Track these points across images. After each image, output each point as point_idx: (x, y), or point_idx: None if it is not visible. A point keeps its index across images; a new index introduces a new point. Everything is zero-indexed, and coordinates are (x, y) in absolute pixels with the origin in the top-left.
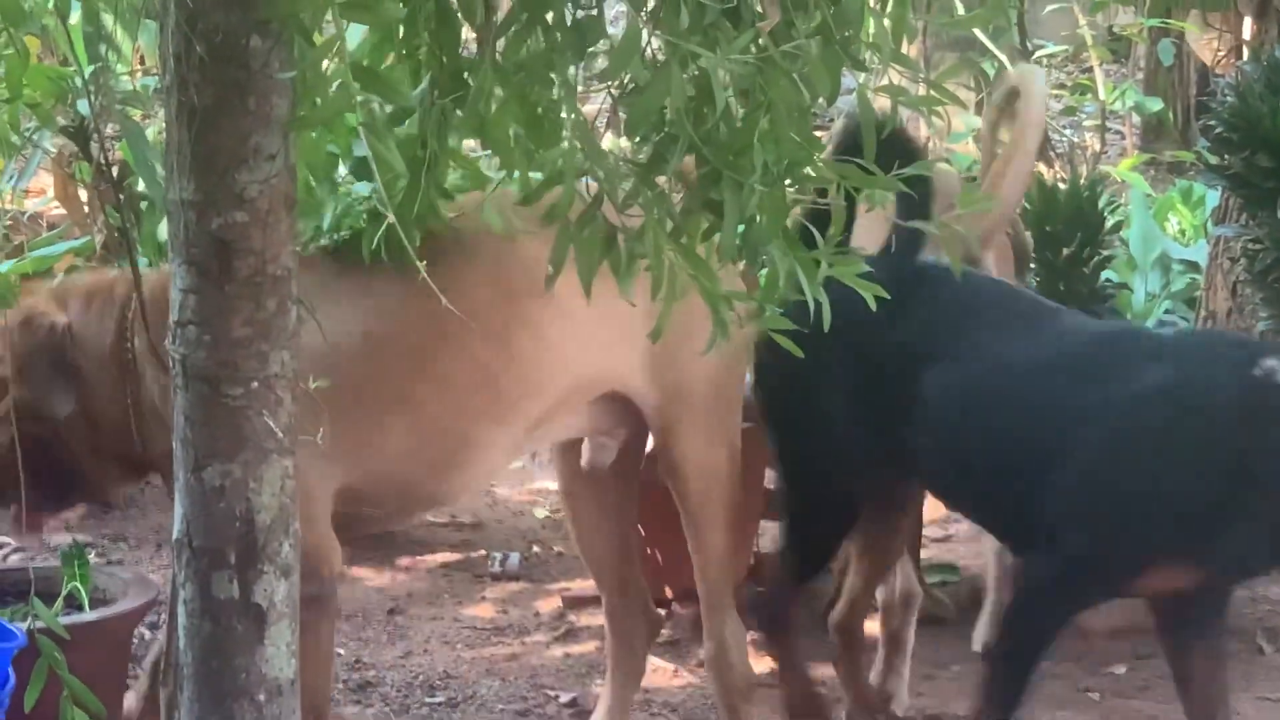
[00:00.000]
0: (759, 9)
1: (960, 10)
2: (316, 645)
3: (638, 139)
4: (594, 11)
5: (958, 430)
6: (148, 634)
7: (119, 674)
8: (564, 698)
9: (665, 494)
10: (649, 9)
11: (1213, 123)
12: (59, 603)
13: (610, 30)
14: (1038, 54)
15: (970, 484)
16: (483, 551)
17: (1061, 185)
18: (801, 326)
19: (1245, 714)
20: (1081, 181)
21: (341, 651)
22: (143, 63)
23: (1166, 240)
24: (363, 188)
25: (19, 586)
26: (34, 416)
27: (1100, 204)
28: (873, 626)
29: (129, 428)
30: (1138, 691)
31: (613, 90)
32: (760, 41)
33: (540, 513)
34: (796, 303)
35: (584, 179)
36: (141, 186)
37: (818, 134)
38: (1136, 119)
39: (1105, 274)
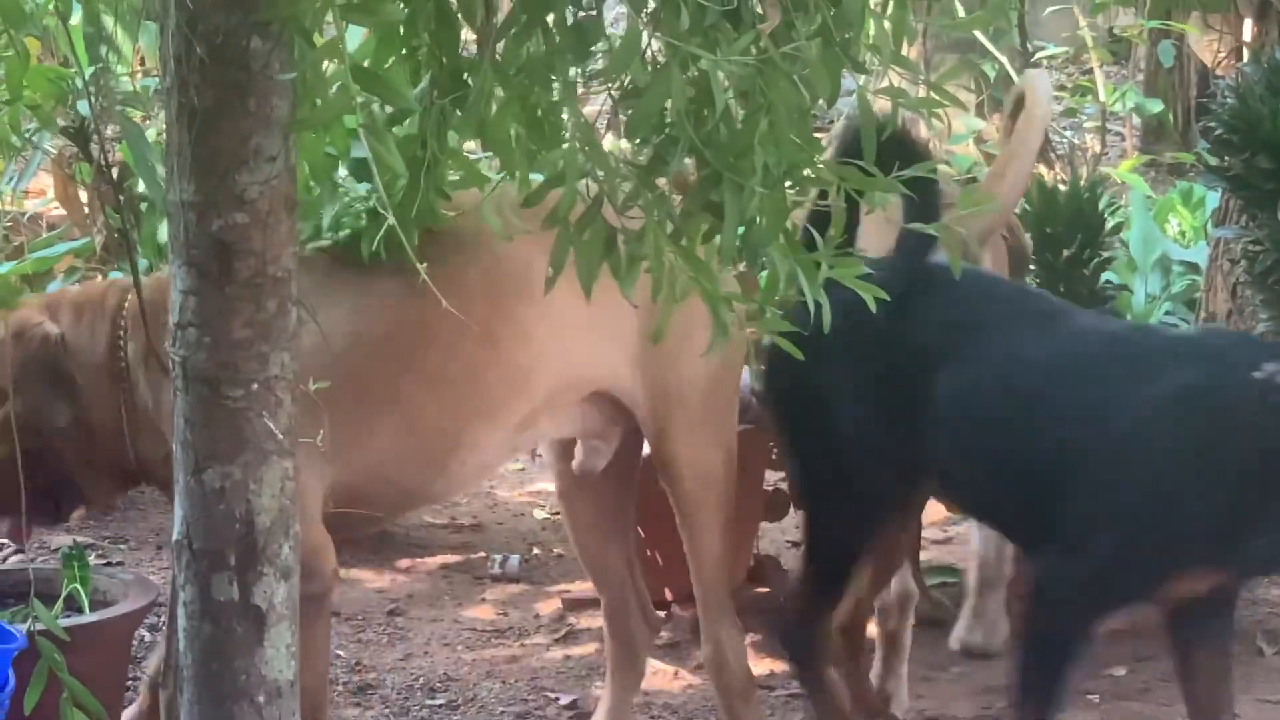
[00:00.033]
0: (759, 11)
1: (960, 12)
2: (313, 645)
3: (638, 141)
4: (594, 13)
5: (976, 433)
6: (148, 636)
7: (119, 676)
8: (564, 700)
9: (664, 496)
10: (649, 11)
11: (1213, 124)
12: (59, 604)
13: (611, 32)
14: (1038, 55)
15: (988, 487)
16: (483, 553)
17: (1062, 187)
18: (811, 331)
19: (1245, 716)
20: (1082, 183)
21: (341, 653)
22: (143, 64)
23: (1167, 242)
24: (362, 188)
25: (19, 588)
26: (28, 428)
27: (1100, 205)
28: (870, 628)
29: (122, 437)
30: (1137, 694)
31: (613, 92)
32: (760, 43)
33: (540, 514)
34: (805, 307)
35: (584, 180)
36: (142, 188)
37: (817, 136)
38: (1137, 121)
39: (1105, 275)
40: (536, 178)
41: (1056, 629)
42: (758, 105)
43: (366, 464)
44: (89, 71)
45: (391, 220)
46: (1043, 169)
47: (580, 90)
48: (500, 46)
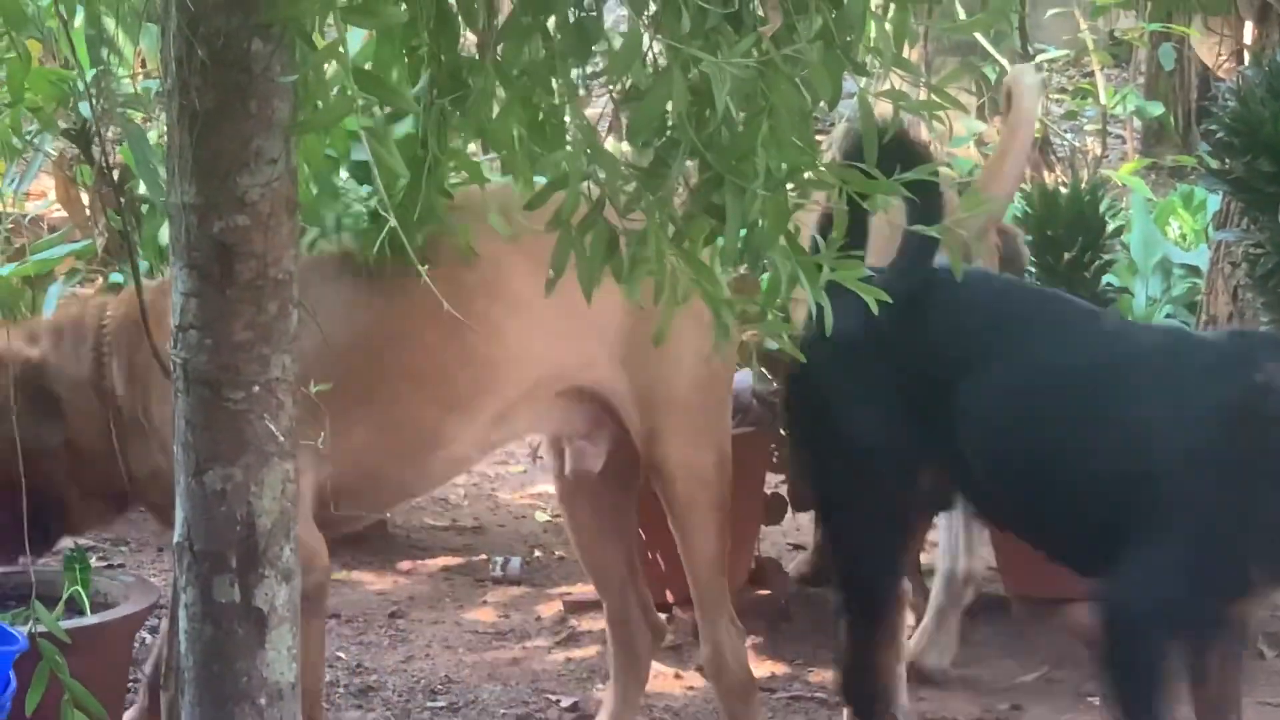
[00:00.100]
0: (760, 13)
1: (961, 15)
2: (307, 645)
3: (640, 143)
4: (594, 13)
5: (1010, 445)
6: (149, 638)
7: (120, 678)
8: (565, 702)
9: None
10: (650, 13)
11: (1214, 127)
12: (60, 607)
13: (611, 29)
14: (1039, 58)
15: (1025, 502)
16: (484, 555)
17: (1063, 190)
18: (827, 345)
19: (1246, 718)
20: (1082, 186)
21: (342, 655)
22: (144, 66)
23: (1167, 245)
24: (363, 189)
25: (20, 590)
26: (17, 455)
27: (1101, 208)
28: None
29: (112, 455)
30: None
31: (614, 94)
32: (762, 46)
33: (541, 517)
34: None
35: (586, 183)
36: (143, 190)
37: (818, 138)
38: (1137, 123)
39: (1106, 278)
40: (539, 180)
41: (1144, 657)
42: (759, 108)
43: (346, 460)
44: (90, 74)
45: (393, 222)
46: (1044, 172)
47: (582, 92)
48: (501, 48)
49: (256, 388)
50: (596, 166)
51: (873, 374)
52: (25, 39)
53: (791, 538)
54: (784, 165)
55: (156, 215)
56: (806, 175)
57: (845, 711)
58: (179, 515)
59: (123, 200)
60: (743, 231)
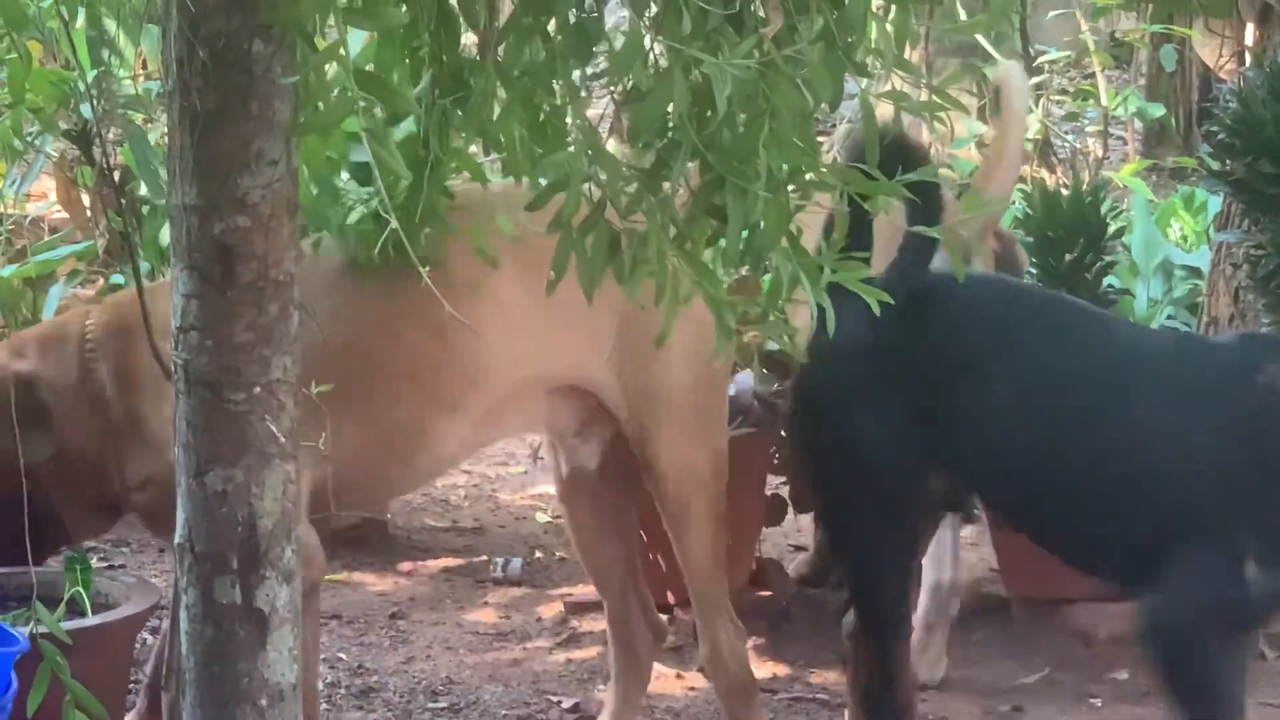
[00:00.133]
0: (762, 14)
1: (962, 16)
2: (302, 644)
3: (641, 144)
4: (594, 14)
5: (1025, 450)
6: (150, 639)
7: (121, 679)
8: (566, 703)
9: None
10: (651, 14)
11: (1215, 128)
12: (61, 608)
13: (612, 30)
14: (1040, 59)
15: (1040, 507)
16: (485, 556)
17: (1064, 191)
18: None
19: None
20: (1084, 187)
21: (343, 656)
22: (145, 67)
23: (1168, 246)
24: (364, 191)
25: (21, 591)
26: (10, 470)
27: (1102, 210)
28: None
29: (104, 463)
30: (1140, 697)
31: (615, 95)
32: (763, 47)
33: (542, 518)
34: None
35: (586, 184)
36: (143, 191)
37: (819, 139)
38: (1139, 125)
39: (1107, 280)
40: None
41: (1197, 664)
42: (760, 109)
43: (338, 459)
44: (91, 75)
45: (394, 223)
46: (1045, 173)
47: (583, 94)
48: (503, 49)
49: (257, 389)
50: (598, 168)
51: (878, 379)
52: (26, 40)
53: (792, 539)
54: (785, 166)
55: (157, 216)
56: (808, 176)
57: (846, 713)
58: (180, 516)
59: (123, 201)
60: (744, 233)
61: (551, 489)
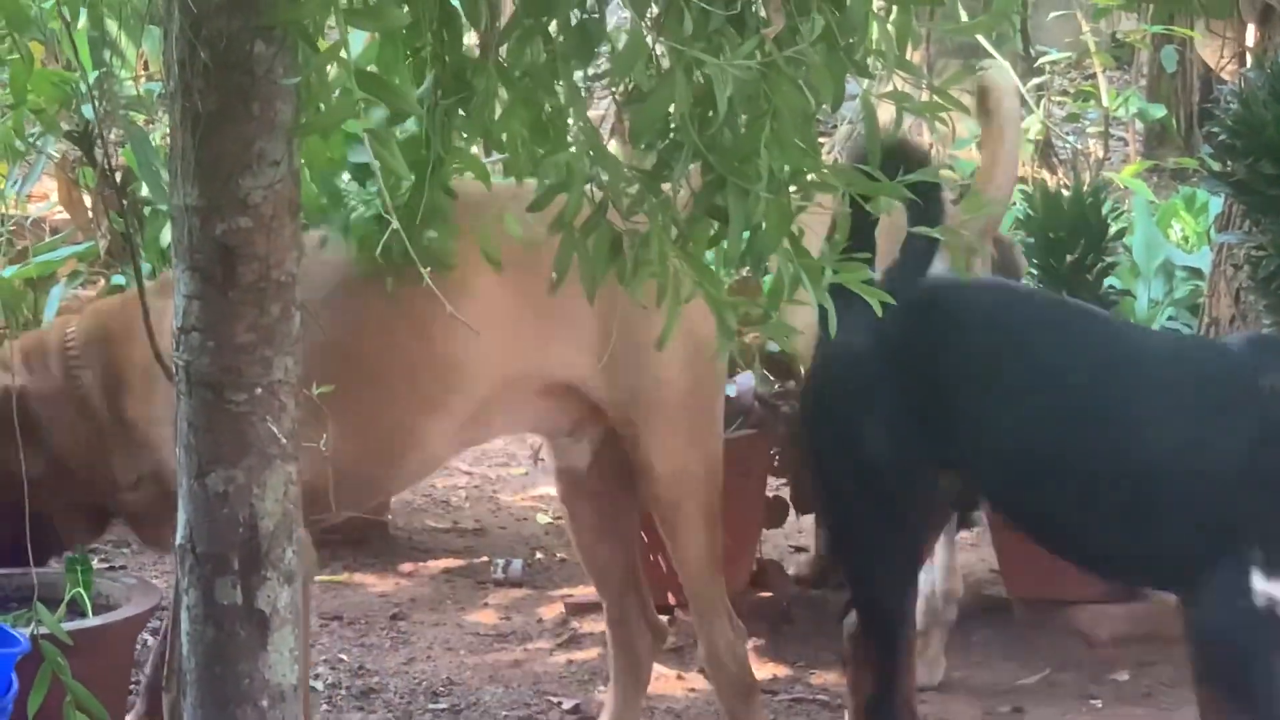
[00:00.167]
0: (763, 15)
1: (964, 17)
2: None
3: (643, 145)
4: (596, 15)
5: (1037, 455)
6: (150, 640)
7: (122, 680)
8: (567, 704)
9: None
10: (652, 15)
11: (1216, 129)
12: (62, 609)
13: (614, 30)
14: (1041, 60)
15: (1059, 514)
16: (485, 557)
17: (1065, 192)
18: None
19: None
20: (1085, 188)
21: (344, 657)
22: (147, 68)
23: (1169, 247)
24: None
25: (22, 592)
26: (6, 482)
27: (1103, 211)
28: None
29: (95, 469)
30: (1141, 698)
31: (617, 96)
32: (764, 48)
33: (543, 519)
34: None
35: (588, 185)
36: (145, 192)
37: (820, 140)
38: (1139, 125)
39: (1108, 281)
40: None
41: (1249, 667)
42: (762, 110)
43: (322, 459)
44: (93, 76)
45: (395, 224)
46: (1046, 174)
47: (584, 94)
48: (505, 49)
49: (259, 390)
50: (600, 169)
51: (884, 382)
52: (28, 41)
53: (793, 540)
54: (787, 167)
55: (159, 217)
56: (809, 177)
57: (847, 714)
58: (181, 517)
59: (125, 202)
60: (746, 234)
61: (552, 490)
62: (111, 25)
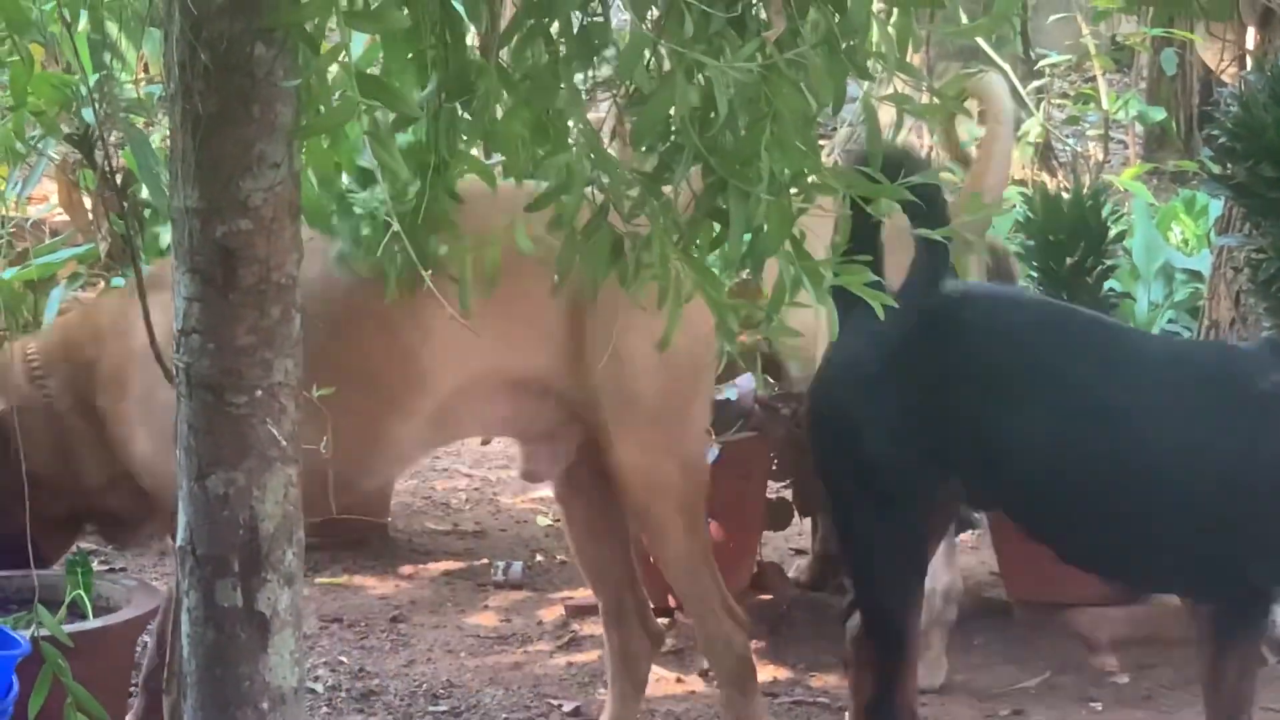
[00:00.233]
0: (764, 18)
1: (964, 19)
2: None
3: (644, 148)
4: (599, 18)
5: (1056, 464)
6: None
7: (122, 681)
8: (567, 707)
9: None
10: (653, 18)
11: (1216, 132)
12: (62, 610)
13: (617, 37)
14: (1041, 63)
15: (1077, 521)
16: (485, 560)
17: (1064, 195)
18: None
19: None
20: (1084, 191)
21: (344, 660)
22: (147, 71)
23: (1170, 250)
24: (367, 193)
25: (23, 594)
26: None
27: (1103, 213)
28: None
29: (63, 477)
30: (1141, 701)
31: (618, 99)
32: (765, 50)
33: (543, 521)
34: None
35: (588, 187)
36: (145, 194)
37: (820, 142)
38: (1139, 128)
39: (1108, 284)
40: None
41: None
42: (762, 112)
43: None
44: (93, 78)
45: (396, 226)
46: (1045, 177)
47: (585, 97)
48: (508, 52)
49: (259, 392)
50: (600, 171)
51: (893, 388)
52: (28, 43)
53: (793, 542)
54: (787, 170)
55: (159, 219)
56: (810, 179)
57: (848, 715)
58: (181, 519)
59: (125, 204)
60: (747, 236)
61: (551, 492)
62: (112, 27)
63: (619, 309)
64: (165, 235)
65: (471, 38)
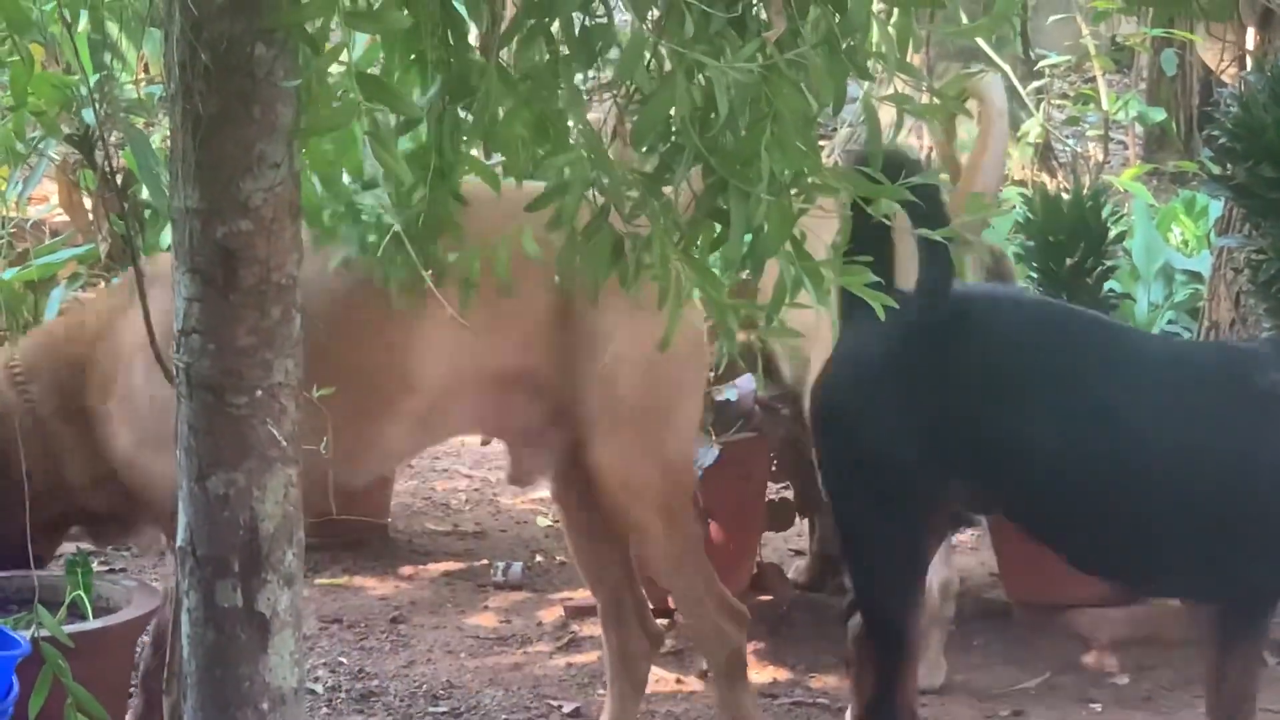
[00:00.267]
0: (764, 18)
1: (964, 20)
2: None
3: (644, 149)
4: (604, 20)
5: (1067, 467)
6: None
7: (123, 682)
8: (567, 708)
9: None
10: (654, 18)
11: (1216, 133)
12: (62, 611)
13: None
14: (1041, 63)
15: (1096, 533)
16: (485, 560)
17: (1064, 195)
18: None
19: None
20: (1084, 192)
21: (344, 660)
22: (147, 71)
23: (1169, 251)
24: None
25: (23, 595)
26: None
27: (1103, 214)
28: None
29: (47, 480)
30: (1141, 702)
31: (619, 99)
32: (765, 50)
33: (543, 522)
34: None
35: (589, 188)
36: (145, 194)
37: (820, 143)
38: (1139, 129)
39: (1108, 284)
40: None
41: None
42: (763, 112)
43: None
44: (94, 79)
45: (397, 226)
46: (1045, 177)
47: (586, 97)
48: (510, 52)
49: (259, 392)
50: (601, 172)
51: (899, 389)
52: (29, 43)
53: (793, 543)
54: (788, 170)
55: (159, 220)
56: (810, 180)
57: (848, 715)
58: (181, 520)
59: (125, 205)
60: (747, 236)
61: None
62: (112, 28)
63: (606, 310)
64: (166, 236)
65: (473, 38)
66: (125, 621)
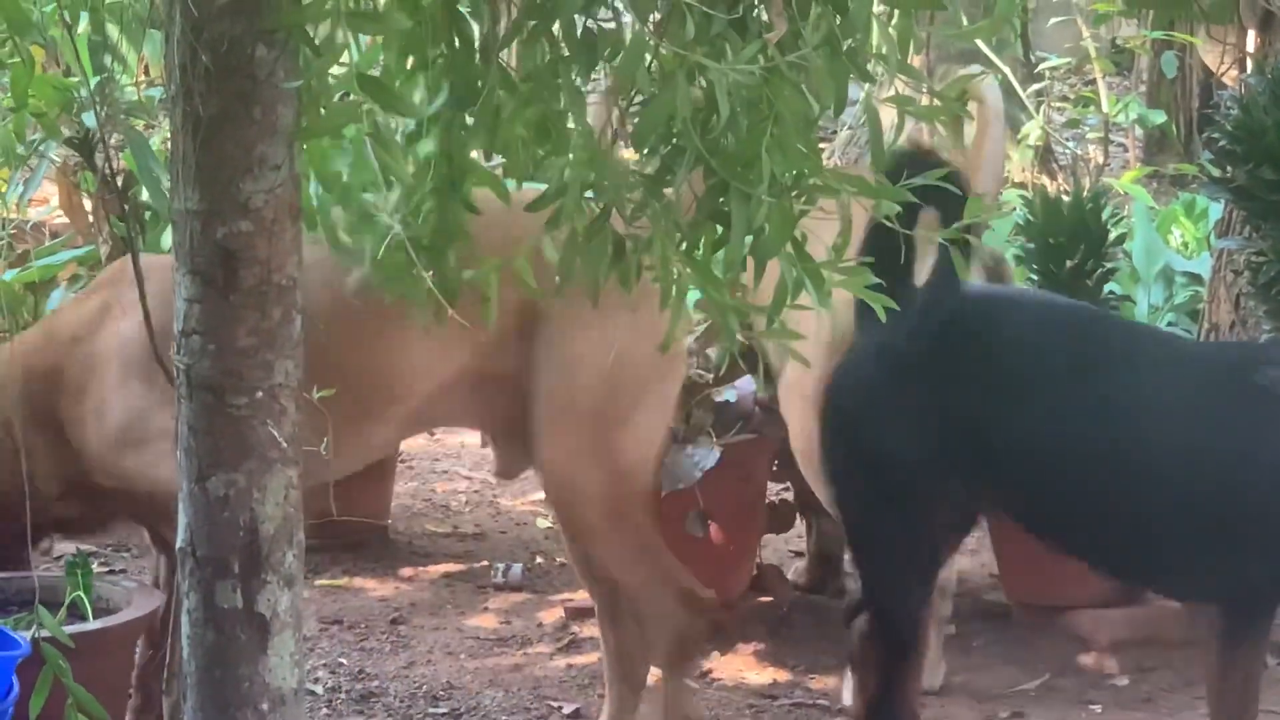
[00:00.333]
0: (765, 19)
1: (965, 22)
2: None
3: (645, 150)
4: (610, 24)
5: (1081, 476)
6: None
7: (123, 682)
8: (567, 709)
9: (661, 500)
10: (655, 20)
11: (1216, 135)
12: (63, 612)
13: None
14: (1041, 66)
15: (1103, 534)
16: (485, 562)
17: (1065, 198)
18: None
19: None
20: (1084, 194)
21: (344, 661)
22: (147, 73)
23: (1169, 253)
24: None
25: (23, 595)
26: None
27: (1103, 216)
28: None
29: (20, 490)
30: (1140, 703)
31: (619, 102)
32: (767, 52)
33: (543, 523)
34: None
35: (589, 190)
36: (146, 196)
37: (821, 145)
38: (1139, 131)
39: (1108, 286)
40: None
41: None
42: (764, 114)
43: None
44: (94, 80)
45: (397, 228)
46: (1046, 180)
47: (590, 100)
48: (513, 54)
49: (259, 393)
50: (601, 174)
51: (908, 390)
52: (29, 45)
53: (793, 545)
54: (789, 172)
55: (160, 221)
56: (812, 181)
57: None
58: (181, 520)
59: (126, 206)
60: (748, 238)
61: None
62: (112, 29)
63: (570, 312)
64: (166, 237)
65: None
66: (125, 622)
